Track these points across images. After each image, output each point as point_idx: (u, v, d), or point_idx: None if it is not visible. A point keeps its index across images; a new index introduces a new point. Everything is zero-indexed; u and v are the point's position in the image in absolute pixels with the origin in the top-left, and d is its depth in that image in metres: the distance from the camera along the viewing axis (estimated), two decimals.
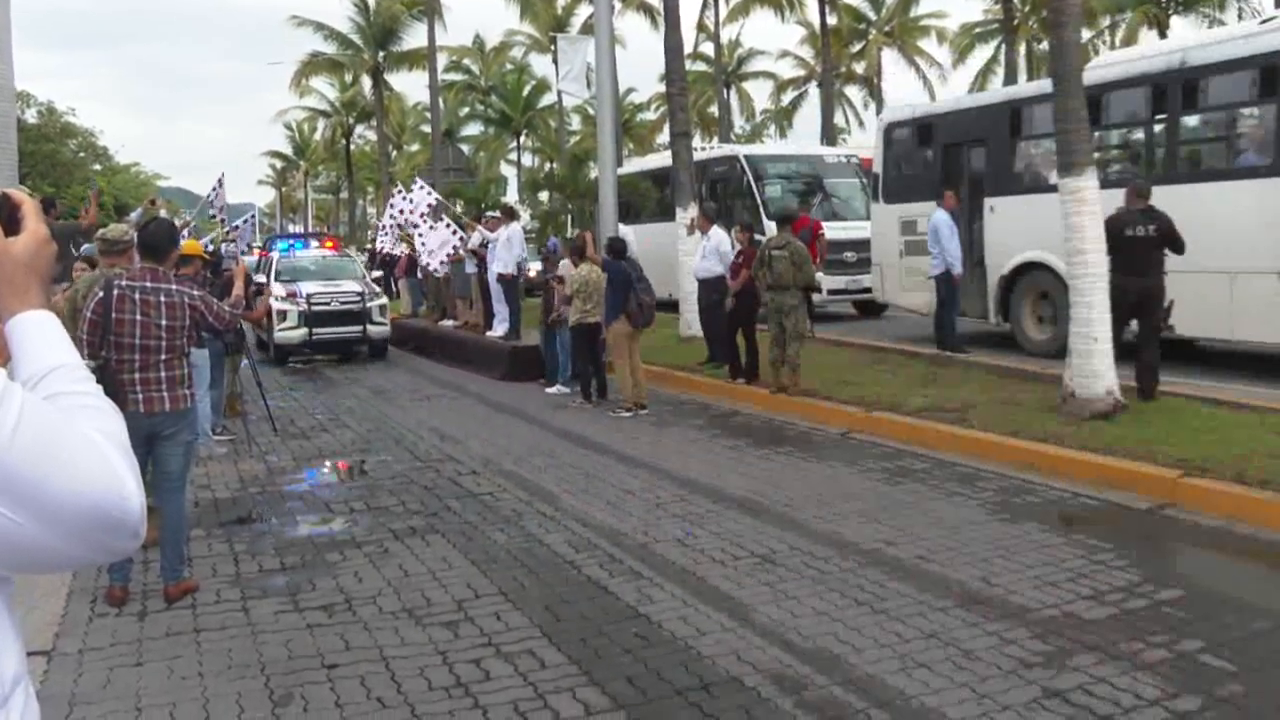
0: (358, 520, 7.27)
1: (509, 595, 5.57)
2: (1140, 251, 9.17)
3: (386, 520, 7.22)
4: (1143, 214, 9.31)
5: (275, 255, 20.24)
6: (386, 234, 21.29)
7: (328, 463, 9.34)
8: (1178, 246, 9.32)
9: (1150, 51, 13.12)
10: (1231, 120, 11.47)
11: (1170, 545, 6.36)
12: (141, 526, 1.22)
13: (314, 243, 23.41)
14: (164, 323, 5.52)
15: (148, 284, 5.55)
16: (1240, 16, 31.13)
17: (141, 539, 1.24)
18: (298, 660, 4.77)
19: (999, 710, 4.05)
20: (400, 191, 18.89)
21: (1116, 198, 9.64)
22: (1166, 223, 9.27)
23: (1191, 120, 11.86)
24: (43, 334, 1.34)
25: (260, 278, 16.99)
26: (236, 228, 15.25)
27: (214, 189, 14.75)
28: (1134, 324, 9.44)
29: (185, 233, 11.56)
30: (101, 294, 5.52)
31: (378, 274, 24.25)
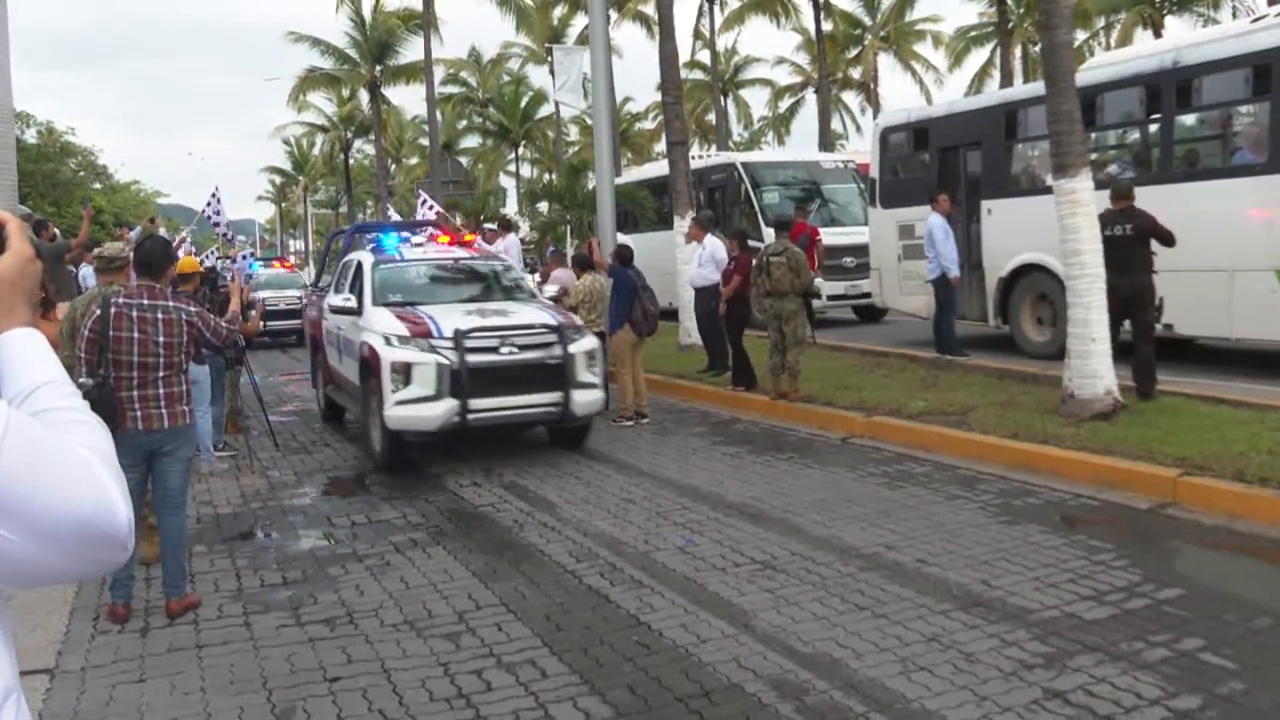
0: (359, 533, 7.28)
1: (510, 606, 5.58)
2: (1121, 250, 9.21)
3: (387, 533, 7.22)
4: (1122, 214, 9.39)
5: (366, 263, 11.01)
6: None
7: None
8: (1164, 241, 9.36)
9: (1144, 52, 13.15)
10: (1226, 119, 11.50)
11: (1170, 544, 6.36)
12: (130, 540, 1.23)
13: (419, 236, 11.96)
14: (161, 339, 5.53)
15: (145, 301, 5.56)
16: (1234, 15, 31.16)
17: (130, 552, 1.25)
18: (300, 674, 4.77)
19: (1000, 712, 4.05)
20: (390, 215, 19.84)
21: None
22: (1145, 221, 9.33)
23: (1186, 119, 11.88)
24: (29, 351, 1.35)
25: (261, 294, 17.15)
26: (244, 254, 15.43)
27: (209, 202, 14.79)
28: (1127, 324, 9.47)
29: (183, 250, 11.60)
30: (99, 311, 5.54)
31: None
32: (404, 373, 8.73)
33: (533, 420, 9.41)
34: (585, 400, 9.24)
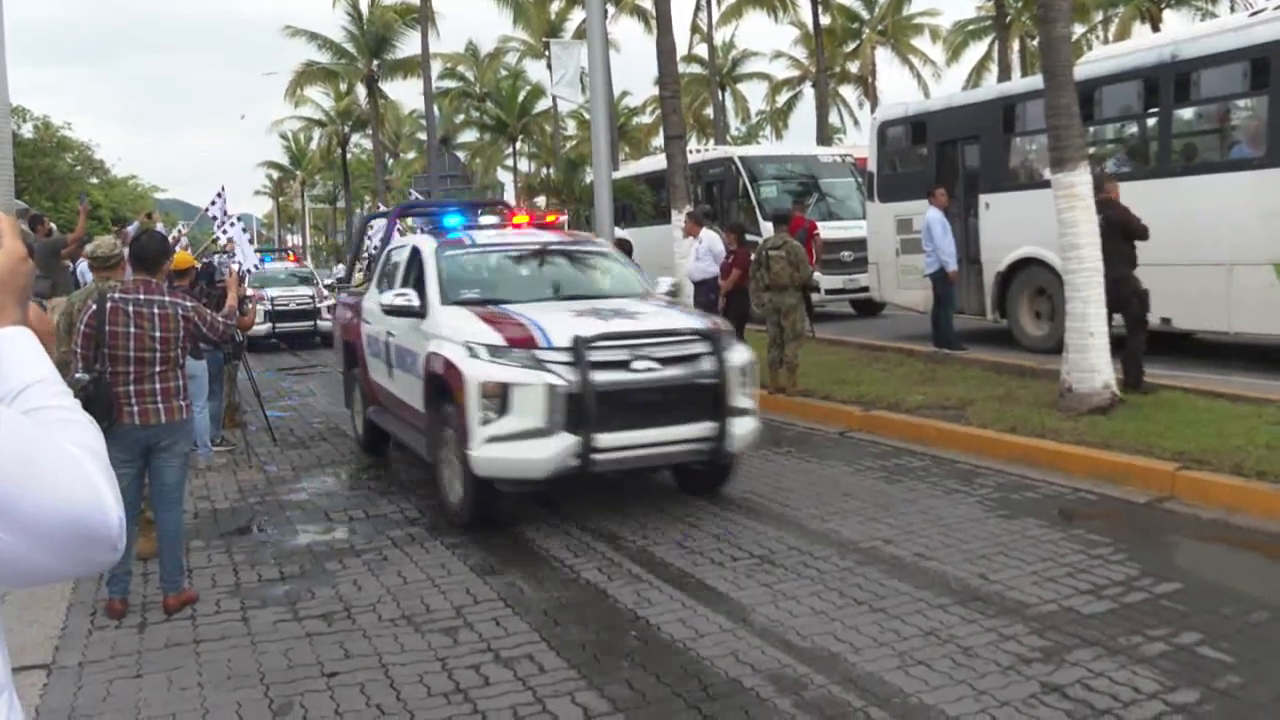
0: (356, 528, 7.27)
1: (508, 601, 5.57)
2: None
3: (385, 528, 7.21)
4: (1097, 206, 9.38)
5: (427, 250, 10.00)
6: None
7: None
8: (1134, 234, 9.37)
9: (1142, 45, 13.14)
10: (1224, 113, 11.49)
11: (1168, 538, 6.36)
12: (120, 540, 1.22)
13: (489, 216, 10.48)
14: (158, 334, 5.52)
15: (141, 296, 5.55)
16: (1232, 9, 31.14)
17: (121, 552, 1.24)
18: (297, 669, 4.77)
19: (997, 706, 4.05)
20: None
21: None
22: (1117, 213, 9.34)
23: (1184, 114, 11.87)
24: (20, 350, 1.34)
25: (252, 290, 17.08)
26: (233, 239, 15.23)
27: (214, 200, 14.71)
28: (1118, 317, 9.48)
29: (179, 245, 11.57)
30: (95, 306, 5.53)
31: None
32: (499, 397, 6.44)
33: (677, 460, 7.17)
34: (742, 431, 7.08)
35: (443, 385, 6.94)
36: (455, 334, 6.97)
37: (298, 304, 21.53)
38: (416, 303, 7.70)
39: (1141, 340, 9.48)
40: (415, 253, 8.62)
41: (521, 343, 6.67)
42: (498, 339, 6.72)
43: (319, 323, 21.21)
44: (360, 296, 10.05)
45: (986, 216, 13.81)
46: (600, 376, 6.51)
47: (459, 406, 6.60)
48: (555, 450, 6.43)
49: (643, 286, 8.40)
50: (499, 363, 6.59)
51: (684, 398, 6.82)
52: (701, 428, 6.80)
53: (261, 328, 19.80)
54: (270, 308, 20.60)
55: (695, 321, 7.30)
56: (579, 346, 6.51)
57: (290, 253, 35.53)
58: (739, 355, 7.19)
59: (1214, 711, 3.96)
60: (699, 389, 6.84)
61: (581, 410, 6.41)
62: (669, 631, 5.00)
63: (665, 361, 6.78)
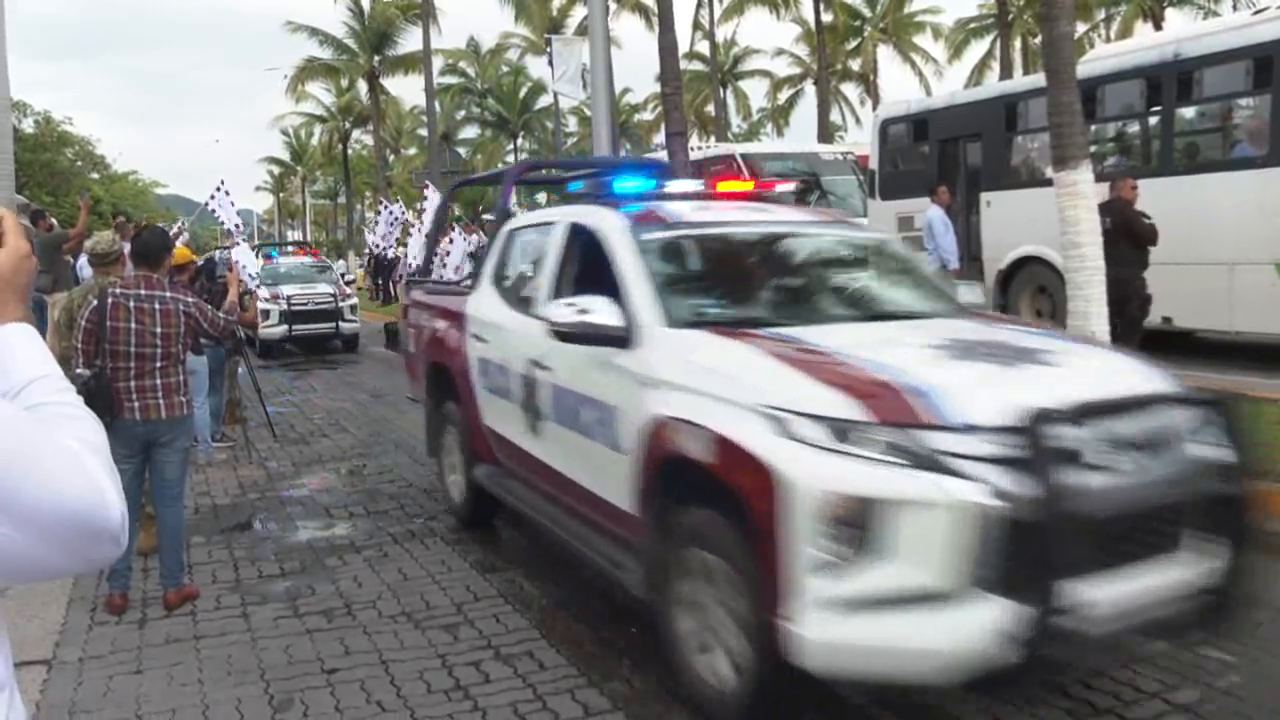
0: (357, 524, 7.27)
1: (508, 598, 5.57)
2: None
3: (386, 524, 7.21)
4: (1102, 207, 9.35)
5: (616, 232, 7.72)
6: (380, 234, 22.08)
7: None
8: (1137, 238, 9.36)
9: (1144, 44, 13.13)
10: (1227, 112, 11.48)
11: None
12: (123, 535, 1.22)
13: (681, 182, 6.79)
14: (159, 330, 5.52)
15: (142, 291, 5.55)
16: (1235, 8, 31.13)
17: (123, 547, 1.24)
18: (297, 665, 4.77)
19: (998, 704, 4.05)
20: (385, 205, 19.83)
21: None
22: (1125, 215, 9.32)
23: (1187, 112, 11.86)
24: (22, 346, 1.35)
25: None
26: (229, 230, 15.11)
27: (213, 195, 14.65)
28: None
29: (180, 241, 11.55)
30: (96, 302, 5.53)
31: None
32: (859, 526, 3.39)
33: (1171, 628, 3.73)
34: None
35: (698, 479, 4.00)
36: (732, 388, 3.95)
37: (317, 303, 19.11)
38: (620, 322, 4.70)
39: (1135, 341, 9.47)
40: (582, 234, 5.66)
41: (900, 418, 3.53)
42: (849, 407, 3.58)
43: (342, 324, 19.42)
44: (457, 296, 7.19)
45: (988, 214, 13.81)
46: (1074, 483, 3.42)
47: (762, 533, 3.59)
48: (975, 630, 3.35)
49: (955, 297, 5.50)
50: (853, 455, 3.49)
51: (1182, 515, 3.81)
52: (1202, 564, 3.76)
53: (276, 330, 18.55)
54: (286, 307, 18.68)
55: (1169, 379, 4.12)
56: (1036, 429, 3.42)
57: (304, 246, 29.60)
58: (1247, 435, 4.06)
59: (1215, 711, 3.96)
60: (1208, 499, 3.82)
61: (1036, 551, 3.35)
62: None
63: (1143, 449, 3.71)
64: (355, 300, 20.29)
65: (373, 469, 9.13)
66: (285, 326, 18.74)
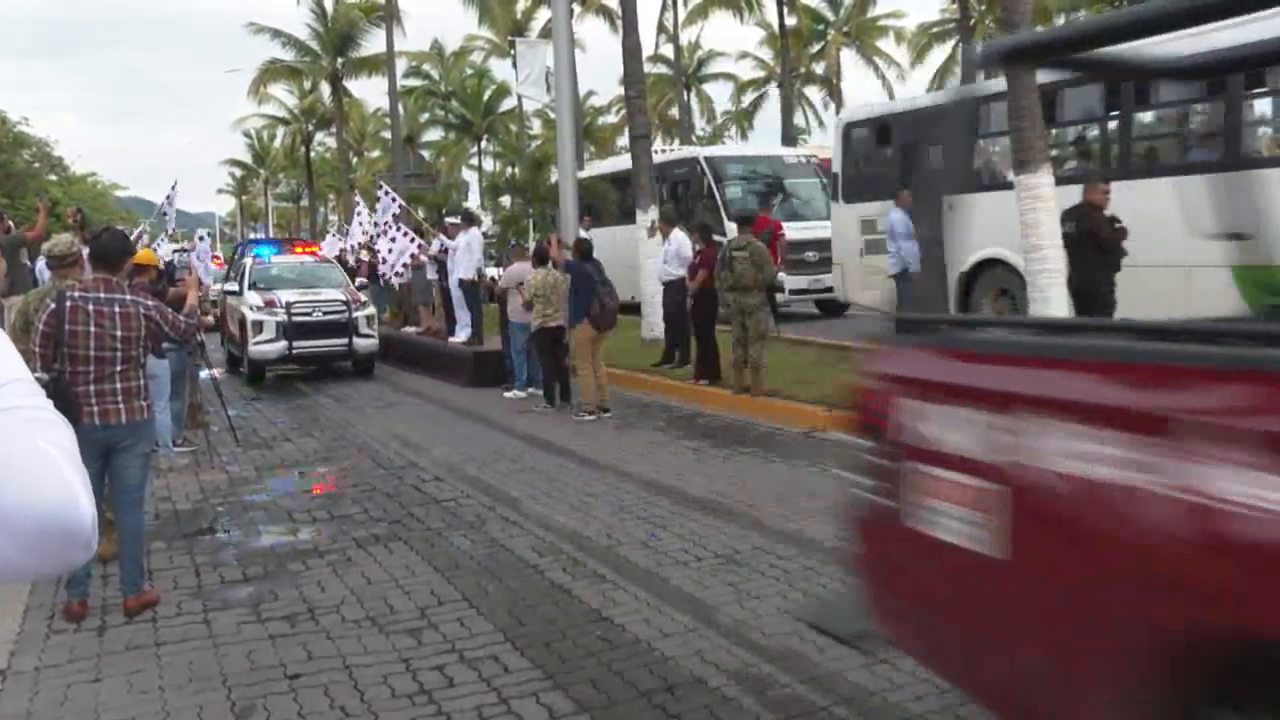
0: (320, 529, 7.22)
1: (472, 601, 5.56)
2: (1064, 247, 9.30)
3: (349, 528, 7.17)
4: (1065, 213, 9.40)
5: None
6: (346, 239, 21.71)
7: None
8: (1098, 246, 9.41)
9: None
10: (1182, 116, 11.64)
11: None
12: (94, 538, 1.22)
13: None
14: (119, 333, 5.46)
15: (101, 294, 5.48)
16: None
17: (94, 551, 1.24)
18: (260, 671, 4.73)
19: (961, 704, 4.08)
20: (360, 210, 19.30)
21: (1073, 193, 9.76)
22: (1087, 221, 9.38)
23: (1144, 116, 12.02)
24: None
25: (227, 286, 16.07)
26: (202, 238, 15.03)
27: (168, 196, 14.58)
28: None
29: (140, 243, 11.45)
30: (54, 305, 5.46)
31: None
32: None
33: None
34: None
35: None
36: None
37: (324, 312, 15.02)
38: None
39: None
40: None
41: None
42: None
43: (356, 340, 15.30)
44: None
45: (950, 217, 13.90)
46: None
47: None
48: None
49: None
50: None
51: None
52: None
53: (272, 347, 14.63)
54: (285, 318, 14.58)
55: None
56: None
57: (308, 243, 23.97)
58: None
59: None
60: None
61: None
62: (634, 631, 5.01)
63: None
64: (372, 310, 16.05)
65: (335, 473, 9.07)
66: (284, 342, 14.70)
